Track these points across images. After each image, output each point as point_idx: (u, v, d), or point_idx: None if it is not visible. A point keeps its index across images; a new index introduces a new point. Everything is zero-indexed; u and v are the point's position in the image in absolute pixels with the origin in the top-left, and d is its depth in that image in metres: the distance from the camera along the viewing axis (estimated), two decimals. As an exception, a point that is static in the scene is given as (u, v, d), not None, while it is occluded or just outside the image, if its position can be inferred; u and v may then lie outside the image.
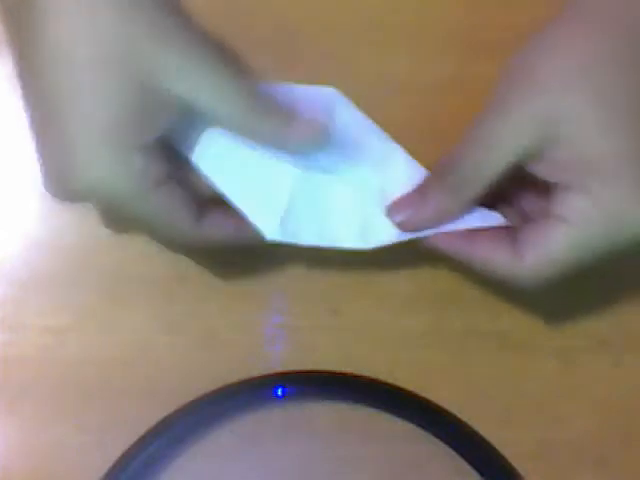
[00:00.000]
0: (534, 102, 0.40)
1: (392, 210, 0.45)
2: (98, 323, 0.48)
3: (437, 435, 0.46)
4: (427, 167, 0.48)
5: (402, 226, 0.44)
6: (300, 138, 0.43)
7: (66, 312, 0.48)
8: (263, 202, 0.45)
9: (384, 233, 0.45)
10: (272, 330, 0.48)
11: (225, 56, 0.42)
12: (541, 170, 0.41)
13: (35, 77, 0.40)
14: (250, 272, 0.48)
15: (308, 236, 0.45)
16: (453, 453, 0.46)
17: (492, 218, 0.44)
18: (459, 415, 0.47)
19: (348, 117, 0.46)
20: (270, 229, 0.44)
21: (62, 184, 0.40)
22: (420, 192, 0.44)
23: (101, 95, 0.39)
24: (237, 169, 0.44)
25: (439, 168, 0.44)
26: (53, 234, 0.48)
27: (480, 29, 0.50)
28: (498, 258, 0.42)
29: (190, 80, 0.40)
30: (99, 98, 0.39)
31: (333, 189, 0.46)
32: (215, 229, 0.44)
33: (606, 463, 0.47)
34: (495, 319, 0.48)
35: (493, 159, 0.41)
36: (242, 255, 0.47)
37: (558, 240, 0.41)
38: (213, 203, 0.44)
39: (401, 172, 0.46)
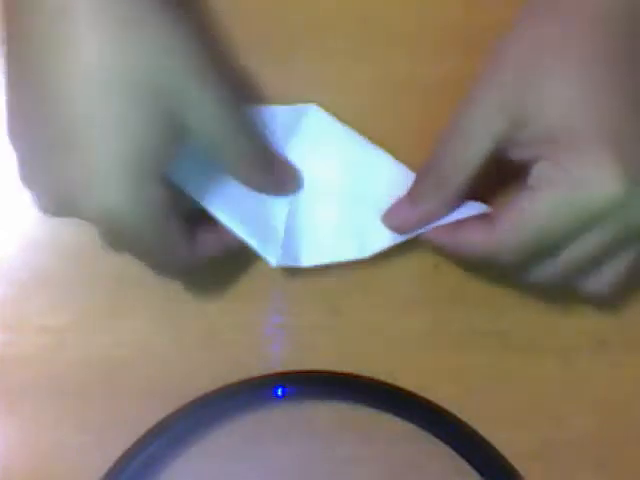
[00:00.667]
0: (499, 89, 0.42)
1: (387, 218, 0.47)
2: (98, 323, 0.48)
3: (437, 435, 0.46)
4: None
5: (398, 231, 0.46)
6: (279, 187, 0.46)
7: (66, 312, 0.48)
8: (264, 231, 0.46)
9: (380, 239, 0.47)
10: (272, 330, 0.48)
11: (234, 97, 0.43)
12: (515, 153, 0.42)
13: (53, 99, 0.39)
14: (250, 272, 0.48)
15: (309, 257, 0.47)
16: (453, 453, 0.46)
17: (476, 207, 0.45)
18: (459, 415, 0.47)
19: (331, 132, 0.48)
20: (275, 257, 0.46)
21: (69, 206, 0.40)
22: (409, 196, 0.46)
23: (130, 125, 0.39)
24: (235, 200, 0.46)
25: (422, 170, 0.45)
26: (53, 234, 0.48)
27: (480, 29, 0.50)
28: (476, 237, 0.44)
29: (210, 120, 0.41)
30: (128, 127, 0.39)
31: (326, 206, 0.48)
32: (207, 249, 0.45)
33: (606, 463, 0.47)
34: (496, 319, 0.48)
35: (469, 152, 0.43)
36: (242, 255, 0.48)
37: (524, 207, 0.42)
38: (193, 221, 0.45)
39: (389, 177, 0.48)
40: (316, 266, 0.47)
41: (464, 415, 0.47)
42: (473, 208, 0.45)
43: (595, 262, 0.43)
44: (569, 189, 0.41)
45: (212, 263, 0.48)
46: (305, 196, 0.48)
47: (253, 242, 0.46)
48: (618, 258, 0.43)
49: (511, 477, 0.46)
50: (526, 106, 0.41)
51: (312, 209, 0.48)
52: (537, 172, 0.42)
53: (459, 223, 0.45)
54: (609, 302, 0.48)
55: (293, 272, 0.48)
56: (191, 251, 0.44)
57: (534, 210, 0.41)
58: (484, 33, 0.49)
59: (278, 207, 0.47)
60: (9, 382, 0.47)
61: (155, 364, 0.47)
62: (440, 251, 0.47)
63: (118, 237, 0.42)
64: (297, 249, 0.47)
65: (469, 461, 0.46)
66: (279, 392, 0.46)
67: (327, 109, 0.49)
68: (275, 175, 0.46)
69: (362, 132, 0.48)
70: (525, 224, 0.42)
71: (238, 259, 0.48)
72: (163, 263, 0.45)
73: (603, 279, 0.44)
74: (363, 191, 0.48)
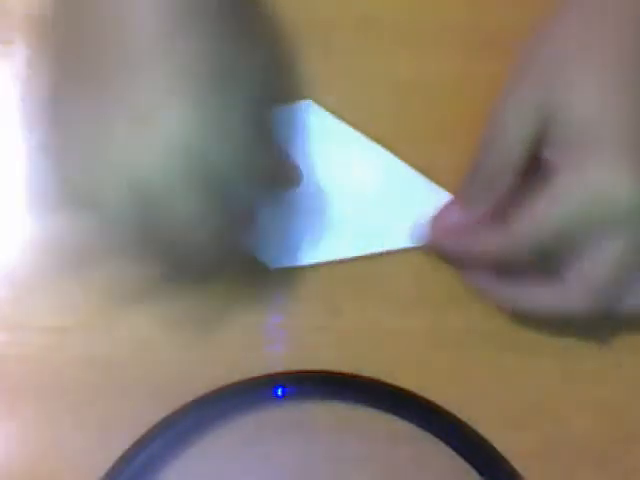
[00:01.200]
0: (533, 89, 0.42)
1: (436, 221, 0.47)
2: (98, 323, 0.48)
3: (437, 435, 0.46)
4: (428, 166, 0.48)
5: (447, 235, 0.47)
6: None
7: (66, 312, 0.48)
8: (259, 235, 0.47)
9: (381, 239, 0.48)
10: (272, 330, 0.48)
11: None
12: (548, 153, 0.43)
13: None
14: (250, 272, 0.48)
15: (310, 255, 0.48)
16: (453, 453, 0.46)
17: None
18: (459, 415, 0.47)
19: (328, 129, 0.48)
20: (273, 258, 0.47)
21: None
22: (459, 199, 0.46)
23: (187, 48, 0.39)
24: None
25: (469, 174, 0.46)
26: (53, 234, 0.48)
27: (481, 29, 0.50)
28: (492, 237, 0.44)
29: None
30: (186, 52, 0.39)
31: (323, 204, 0.48)
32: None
33: (606, 463, 0.47)
34: (495, 319, 0.48)
35: (513, 152, 0.43)
36: (242, 255, 0.48)
37: (538, 207, 0.42)
38: None
39: (387, 173, 0.48)
40: (313, 264, 0.47)
41: (464, 415, 0.47)
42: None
43: (628, 278, 0.43)
44: (584, 192, 0.41)
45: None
46: (301, 195, 0.48)
47: (250, 245, 0.47)
48: None
49: (511, 477, 0.46)
50: (558, 106, 0.42)
51: (309, 208, 0.48)
52: (555, 178, 0.42)
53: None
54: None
55: (293, 272, 0.48)
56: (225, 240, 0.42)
57: (547, 212, 0.42)
58: (485, 33, 0.50)
59: (272, 209, 0.47)
60: (9, 382, 0.47)
61: (155, 364, 0.47)
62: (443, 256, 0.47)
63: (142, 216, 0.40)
64: (294, 249, 0.47)
65: (469, 461, 0.46)
66: (279, 392, 0.46)
67: (327, 109, 0.49)
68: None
69: (363, 131, 0.49)
70: (537, 223, 0.42)
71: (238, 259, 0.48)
72: (188, 247, 0.42)
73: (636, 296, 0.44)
74: (361, 188, 0.48)
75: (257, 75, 0.42)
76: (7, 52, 0.49)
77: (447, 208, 0.47)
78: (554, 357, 0.48)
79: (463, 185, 0.46)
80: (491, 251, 0.44)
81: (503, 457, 0.46)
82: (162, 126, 0.38)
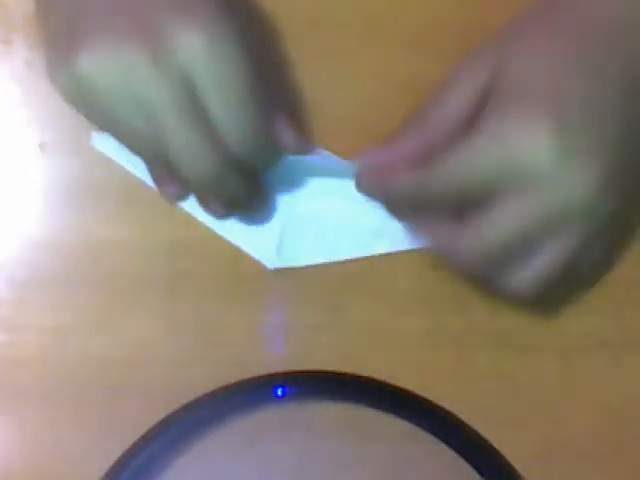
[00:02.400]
0: (486, 49, 0.44)
1: (364, 158, 0.45)
2: (98, 323, 0.48)
3: (437, 435, 0.46)
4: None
5: (372, 173, 0.44)
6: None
7: (66, 312, 0.48)
8: (258, 235, 0.48)
9: (380, 241, 0.48)
10: (272, 330, 0.48)
11: None
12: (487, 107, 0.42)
13: None
14: (250, 272, 0.48)
15: (307, 256, 0.48)
16: (453, 453, 0.46)
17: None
18: (459, 415, 0.47)
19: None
20: (270, 259, 0.47)
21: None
22: (390, 141, 0.45)
23: None
24: None
25: (408, 120, 0.45)
26: (53, 234, 0.48)
27: (480, 29, 0.50)
28: (410, 175, 0.43)
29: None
30: None
31: (321, 206, 0.48)
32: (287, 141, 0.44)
33: (606, 463, 0.47)
34: (495, 319, 0.48)
35: (454, 99, 0.44)
36: (242, 255, 0.48)
37: (454, 153, 0.41)
38: None
39: None
40: (310, 265, 0.48)
41: (464, 415, 0.47)
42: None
43: (524, 247, 0.41)
44: (496, 139, 0.40)
45: (212, 262, 0.48)
46: (300, 196, 0.48)
47: (248, 247, 0.47)
48: (549, 247, 0.41)
49: (511, 477, 0.46)
50: (503, 61, 0.42)
51: (307, 209, 0.48)
52: (479, 124, 0.41)
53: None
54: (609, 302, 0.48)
55: (293, 272, 0.48)
56: (267, 133, 0.42)
57: (456, 154, 0.41)
58: (484, 33, 0.49)
59: (271, 209, 0.47)
60: (9, 382, 0.47)
61: (155, 364, 0.47)
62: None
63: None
64: (295, 249, 0.47)
65: (469, 461, 0.46)
66: (279, 392, 0.46)
67: (327, 109, 0.49)
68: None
69: (362, 131, 0.49)
70: (447, 167, 0.41)
71: (238, 259, 0.48)
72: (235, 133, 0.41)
73: (530, 272, 0.42)
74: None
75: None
76: (7, 52, 0.49)
77: (377, 147, 0.45)
78: (554, 357, 0.48)
79: (400, 129, 0.45)
80: (407, 187, 0.43)
81: (503, 457, 0.46)
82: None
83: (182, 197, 0.47)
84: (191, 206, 0.47)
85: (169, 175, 0.45)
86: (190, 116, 0.40)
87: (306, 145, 0.46)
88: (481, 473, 0.46)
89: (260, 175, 0.46)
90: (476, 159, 0.41)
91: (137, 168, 0.47)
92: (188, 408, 0.46)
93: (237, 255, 0.48)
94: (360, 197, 0.47)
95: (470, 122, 0.42)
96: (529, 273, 0.42)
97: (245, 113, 0.41)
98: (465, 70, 0.44)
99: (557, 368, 0.48)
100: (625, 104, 0.41)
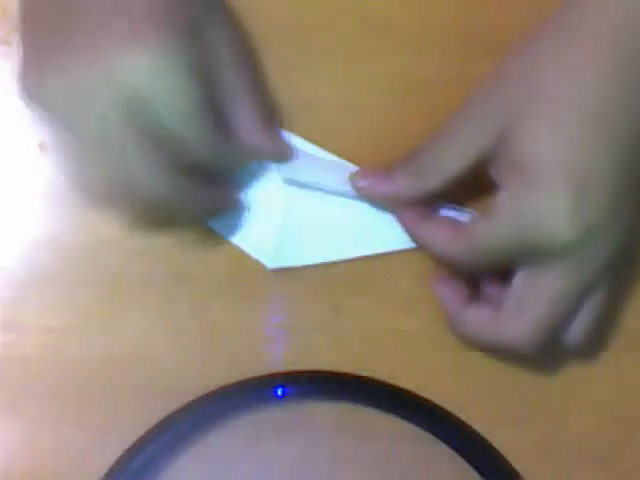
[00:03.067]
0: (495, 106, 0.43)
1: (357, 175, 0.47)
2: (98, 323, 0.48)
3: (437, 435, 0.46)
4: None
5: (360, 190, 0.47)
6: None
7: (66, 312, 0.48)
8: (257, 234, 0.48)
9: (379, 240, 0.48)
10: (272, 330, 0.48)
11: None
12: (493, 171, 0.43)
13: None
14: (250, 272, 0.48)
15: (306, 256, 0.48)
16: (453, 453, 0.46)
17: (456, 214, 0.47)
18: (459, 415, 0.47)
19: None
20: (269, 259, 0.47)
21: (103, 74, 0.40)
22: (387, 169, 0.46)
23: None
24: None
25: (411, 155, 0.46)
26: (53, 234, 0.48)
27: (480, 29, 0.50)
28: (438, 239, 0.45)
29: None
30: None
31: (319, 205, 0.48)
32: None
33: (606, 463, 0.47)
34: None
35: (451, 156, 0.44)
36: (242, 255, 0.48)
37: (475, 227, 0.43)
38: None
39: None
40: (310, 265, 0.47)
41: (464, 415, 0.47)
42: (459, 215, 0.47)
43: (565, 317, 0.43)
44: (520, 219, 0.41)
45: (212, 262, 0.48)
46: (298, 196, 0.48)
47: (246, 246, 0.47)
48: (587, 305, 0.44)
49: (511, 477, 0.46)
50: (512, 129, 0.42)
51: (306, 209, 0.48)
52: (497, 200, 0.42)
53: (431, 217, 0.46)
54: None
55: (293, 272, 0.48)
56: (223, 150, 0.44)
57: (481, 233, 0.43)
58: (484, 33, 0.49)
59: (270, 209, 0.48)
60: (9, 382, 0.47)
61: (155, 364, 0.47)
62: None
63: (143, 113, 0.40)
64: (291, 249, 0.47)
65: (469, 461, 0.46)
66: (279, 392, 0.46)
67: (327, 109, 0.49)
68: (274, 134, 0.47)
69: (362, 131, 0.49)
70: (473, 244, 0.43)
71: (238, 259, 0.48)
72: (185, 144, 0.42)
73: (579, 328, 0.44)
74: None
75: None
76: (7, 52, 0.49)
77: (374, 170, 0.47)
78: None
79: (403, 159, 0.46)
80: (436, 250, 0.45)
81: (503, 457, 0.46)
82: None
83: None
84: None
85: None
86: (142, 133, 0.41)
87: (280, 149, 0.47)
88: (481, 473, 0.46)
89: (223, 178, 0.46)
90: (496, 241, 0.42)
91: None
92: (188, 408, 0.46)
93: (237, 255, 0.48)
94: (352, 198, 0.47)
95: (469, 175, 0.43)
96: (580, 327, 0.44)
97: (192, 125, 0.42)
98: (465, 121, 0.44)
99: (557, 368, 0.48)
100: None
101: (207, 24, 0.42)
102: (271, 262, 0.47)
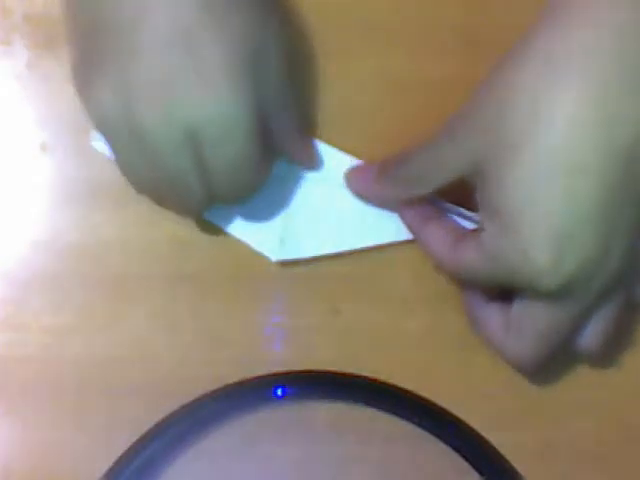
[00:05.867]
0: (475, 136, 0.41)
1: (351, 174, 0.48)
2: (98, 323, 0.48)
3: (437, 435, 0.46)
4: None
5: (352, 189, 0.48)
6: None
7: (66, 312, 0.48)
8: (260, 228, 0.47)
9: (383, 232, 0.48)
10: (272, 330, 0.48)
11: None
12: (477, 197, 0.42)
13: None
14: (250, 272, 0.48)
15: (310, 248, 0.47)
16: (453, 453, 0.46)
17: (467, 222, 0.46)
18: (459, 415, 0.47)
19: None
20: (274, 251, 0.47)
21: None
22: (381, 169, 0.46)
23: (233, 28, 0.40)
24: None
25: (405, 155, 0.45)
26: (53, 234, 0.48)
27: (480, 29, 0.50)
28: (437, 246, 0.45)
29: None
30: (232, 30, 0.40)
31: (324, 197, 0.48)
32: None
33: (606, 463, 0.47)
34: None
35: (435, 172, 0.44)
36: (242, 255, 0.48)
37: (466, 250, 0.43)
38: None
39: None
40: (316, 257, 0.47)
41: (464, 415, 0.47)
42: (458, 217, 0.46)
43: (564, 337, 0.44)
44: (500, 262, 0.41)
45: (212, 263, 0.48)
46: (301, 188, 0.48)
47: (250, 240, 0.47)
48: (596, 318, 0.43)
49: (511, 477, 0.46)
50: (489, 165, 0.41)
51: (309, 201, 0.48)
52: (481, 235, 0.42)
53: (431, 219, 0.46)
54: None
55: (293, 272, 0.48)
56: (259, 176, 0.44)
57: (470, 262, 0.43)
58: (484, 33, 0.50)
59: (273, 202, 0.47)
60: (9, 382, 0.47)
61: (155, 364, 0.47)
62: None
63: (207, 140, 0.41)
64: (296, 242, 0.47)
65: (469, 461, 0.46)
66: (279, 392, 0.46)
67: (328, 109, 0.49)
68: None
69: (362, 132, 0.49)
70: (462, 269, 0.44)
71: (238, 259, 0.48)
72: (234, 183, 0.43)
73: (589, 340, 0.44)
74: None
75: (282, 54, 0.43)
76: (7, 52, 0.49)
77: (367, 169, 0.47)
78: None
79: (397, 156, 0.46)
80: (437, 258, 0.45)
81: (503, 457, 0.46)
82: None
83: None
84: None
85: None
86: (188, 156, 0.41)
87: (314, 157, 0.48)
88: (481, 473, 0.46)
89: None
90: (480, 273, 0.43)
91: None
92: (188, 408, 0.46)
93: (237, 255, 0.48)
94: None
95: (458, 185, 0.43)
96: (592, 338, 0.44)
97: (237, 175, 0.43)
98: (447, 140, 0.43)
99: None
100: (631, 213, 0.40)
101: (263, 49, 0.42)
102: (275, 255, 0.47)
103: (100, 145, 0.47)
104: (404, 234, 0.47)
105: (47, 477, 0.46)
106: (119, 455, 0.45)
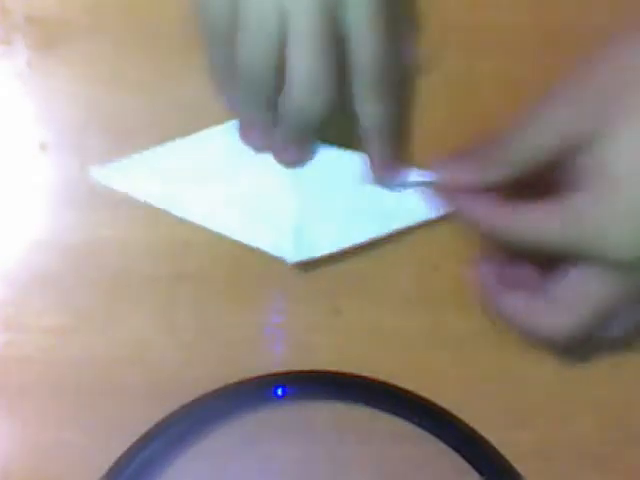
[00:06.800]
0: (585, 99, 0.41)
1: (439, 164, 0.46)
2: (98, 323, 0.48)
3: (437, 435, 0.46)
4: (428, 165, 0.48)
5: (446, 182, 0.45)
6: None
7: (66, 312, 0.48)
8: (273, 232, 0.47)
9: (394, 219, 0.47)
10: (272, 330, 0.48)
11: None
12: (563, 174, 0.42)
13: None
14: (250, 272, 0.48)
15: (325, 245, 0.47)
16: (453, 453, 0.46)
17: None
18: (459, 415, 0.47)
19: None
20: (289, 253, 0.47)
21: None
22: (470, 157, 0.45)
23: None
24: (237, 213, 0.47)
25: (491, 144, 0.44)
26: (53, 234, 0.48)
27: (481, 29, 0.50)
28: (491, 212, 0.44)
29: None
30: None
31: (332, 193, 0.48)
32: None
33: (606, 463, 0.47)
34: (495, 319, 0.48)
35: (539, 141, 0.42)
36: (242, 255, 0.48)
37: (540, 212, 0.42)
38: None
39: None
40: (329, 254, 0.47)
41: (464, 415, 0.47)
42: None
43: (610, 316, 0.43)
44: (582, 228, 0.41)
45: (212, 263, 0.48)
46: (308, 187, 0.48)
47: (265, 245, 0.47)
48: (631, 310, 0.43)
49: (511, 477, 0.46)
50: (605, 126, 0.41)
51: (318, 198, 0.48)
52: (573, 202, 0.42)
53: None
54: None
55: (293, 272, 0.48)
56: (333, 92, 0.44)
57: (549, 226, 0.42)
58: (484, 33, 0.50)
59: (282, 205, 0.47)
60: (9, 382, 0.47)
61: (155, 364, 0.47)
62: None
63: None
64: (310, 241, 0.47)
65: (469, 461, 0.46)
66: (279, 392, 0.46)
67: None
68: None
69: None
70: (533, 231, 0.43)
71: (238, 259, 0.48)
72: None
73: (618, 330, 0.44)
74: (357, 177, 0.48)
75: None
76: (7, 52, 0.49)
77: (459, 158, 0.45)
78: (554, 357, 0.48)
79: (479, 149, 0.45)
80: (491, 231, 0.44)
81: (503, 457, 0.46)
82: None
83: (261, 147, 0.48)
84: (200, 218, 0.48)
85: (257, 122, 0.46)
86: (323, 38, 0.42)
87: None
88: (481, 473, 0.46)
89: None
90: (555, 238, 0.42)
91: (142, 193, 0.47)
92: (188, 408, 0.46)
93: (237, 255, 0.48)
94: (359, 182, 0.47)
95: (549, 167, 0.43)
96: (620, 331, 0.44)
97: (377, 32, 0.43)
98: (552, 109, 0.42)
99: (557, 368, 0.48)
100: None
101: None
102: (291, 257, 0.47)
103: (100, 176, 0.47)
104: (416, 217, 0.47)
105: (47, 477, 0.46)
106: (119, 455, 0.45)
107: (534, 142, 0.43)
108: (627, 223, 0.40)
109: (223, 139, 0.48)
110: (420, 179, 0.47)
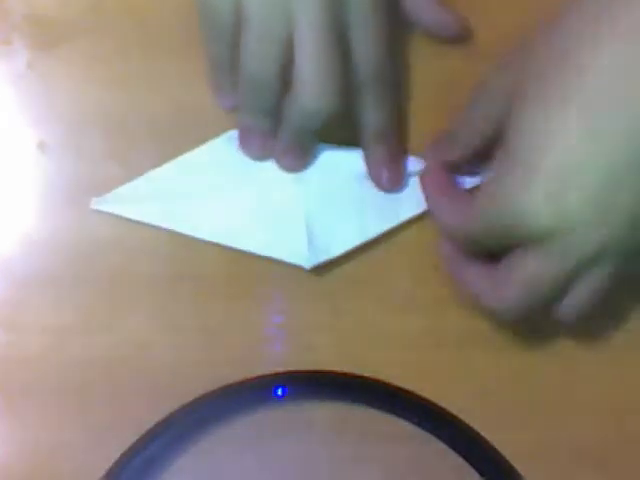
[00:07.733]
0: (510, 76, 0.43)
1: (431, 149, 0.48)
2: (98, 323, 0.48)
3: (437, 435, 0.46)
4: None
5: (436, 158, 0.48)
6: None
7: (66, 312, 0.48)
8: (286, 240, 0.47)
9: (402, 209, 0.48)
10: (272, 330, 0.48)
11: None
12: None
13: None
14: (250, 272, 0.48)
15: (339, 245, 0.47)
16: (453, 453, 0.46)
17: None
18: (459, 415, 0.47)
19: None
20: (305, 259, 0.47)
21: None
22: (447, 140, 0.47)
23: None
24: (248, 225, 0.47)
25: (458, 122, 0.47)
26: (53, 234, 0.48)
27: (480, 29, 0.50)
28: (445, 212, 0.46)
29: None
30: None
31: (337, 192, 0.48)
32: None
33: (606, 463, 0.47)
34: (495, 319, 0.48)
35: (494, 107, 0.44)
36: (242, 255, 0.48)
37: (473, 202, 0.44)
38: None
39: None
40: (344, 252, 0.47)
41: (464, 415, 0.47)
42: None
43: (560, 290, 0.43)
44: (502, 207, 0.41)
45: (212, 263, 0.48)
46: (313, 189, 0.48)
47: (279, 254, 0.47)
48: (580, 285, 0.43)
49: (511, 477, 0.46)
50: (515, 104, 0.41)
51: (326, 200, 0.48)
52: (491, 179, 0.43)
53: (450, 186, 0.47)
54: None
55: (293, 272, 0.48)
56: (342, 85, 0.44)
57: (473, 215, 0.44)
58: (484, 34, 0.50)
59: (291, 212, 0.47)
60: (10, 382, 0.47)
61: (155, 364, 0.47)
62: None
63: None
64: (323, 243, 0.47)
65: (469, 461, 0.46)
66: (279, 392, 0.46)
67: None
68: None
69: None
70: (471, 220, 0.44)
71: (238, 259, 0.48)
72: None
73: (571, 304, 0.44)
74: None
75: None
76: (7, 52, 0.49)
77: (432, 166, 0.48)
78: (554, 357, 0.48)
79: (448, 133, 0.47)
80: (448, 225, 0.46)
81: (503, 457, 0.46)
82: None
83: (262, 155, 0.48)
84: (211, 234, 0.48)
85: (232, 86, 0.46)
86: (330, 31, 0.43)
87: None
88: (481, 473, 0.46)
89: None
90: (485, 223, 0.43)
91: (147, 216, 0.47)
92: (188, 408, 0.46)
93: (237, 255, 0.48)
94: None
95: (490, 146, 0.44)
96: (570, 305, 0.44)
97: (378, 32, 0.45)
98: (482, 93, 0.45)
99: (557, 368, 0.48)
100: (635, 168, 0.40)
101: None
102: (307, 262, 0.47)
103: (102, 205, 0.47)
104: (416, 208, 0.48)
105: (47, 477, 0.46)
106: (119, 455, 0.45)
107: (479, 117, 0.45)
108: (537, 191, 0.40)
109: (222, 152, 0.48)
110: (421, 167, 0.48)
